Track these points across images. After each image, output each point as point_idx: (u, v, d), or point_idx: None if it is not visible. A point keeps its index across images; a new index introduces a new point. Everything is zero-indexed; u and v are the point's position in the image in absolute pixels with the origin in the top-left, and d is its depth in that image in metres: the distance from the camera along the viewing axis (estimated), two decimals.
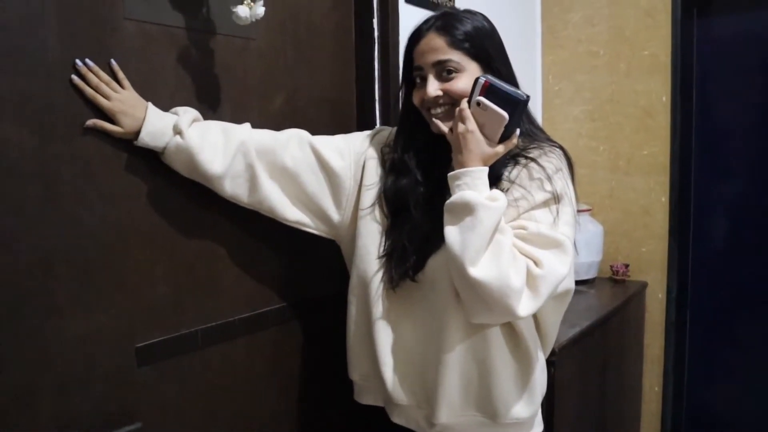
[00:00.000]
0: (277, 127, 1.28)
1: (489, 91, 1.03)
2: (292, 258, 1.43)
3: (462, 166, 1.03)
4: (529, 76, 2.44)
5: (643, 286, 2.28)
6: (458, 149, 1.04)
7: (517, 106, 1.03)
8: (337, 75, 1.57)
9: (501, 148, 1.05)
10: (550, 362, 1.48)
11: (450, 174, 1.04)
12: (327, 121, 1.53)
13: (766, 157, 2.18)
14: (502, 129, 1.04)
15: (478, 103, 1.03)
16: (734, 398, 2.29)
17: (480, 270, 0.98)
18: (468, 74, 1.10)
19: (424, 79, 1.12)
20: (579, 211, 2.18)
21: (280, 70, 1.41)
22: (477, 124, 1.03)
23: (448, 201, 1.03)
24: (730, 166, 2.25)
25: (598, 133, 2.38)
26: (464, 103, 1.04)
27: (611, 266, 2.30)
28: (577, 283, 2.17)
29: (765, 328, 2.23)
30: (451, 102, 1.10)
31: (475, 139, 1.03)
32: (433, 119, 1.12)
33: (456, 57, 1.09)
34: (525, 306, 1.00)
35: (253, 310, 1.36)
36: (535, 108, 2.48)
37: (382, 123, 1.62)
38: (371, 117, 1.62)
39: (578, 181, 2.33)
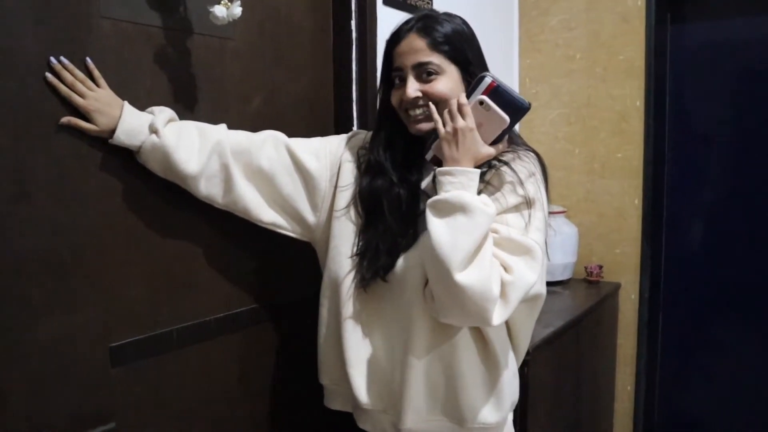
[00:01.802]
0: (255, 127, 1.28)
1: (494, 92, 1.02)
2: (267, 260, 1.43)
3: (455, 162, 1.02)
4: (507, 79, 2.45)
5: (617, 287, 2.31)
6: (453, 144, 1.02)
7: (518, 112, 1.03)
8: (315, 76, 1.57)
9: (493, 151, 1.06)
10: (524, 362, 1.51)
11: (442, 169, 1.02)
12: (305, 121, 1.53)
13: (738, 162, 2.23)
14: (499, 132, 1.04)
15: (481, 102, 1.02)
16: (706, 398, 2.33)
17: (466, 276, 0.96)
18: (447, 76, 1.10)
19: (404, 80, 1.11)
20: (554, 212, 2.24)
21: (258, 70, 1.41)
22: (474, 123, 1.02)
23: (438, 197, 1.00)
24: (703, 170, 2.29)
25: (574, 136, 2.41)
26: (464, 98, 1.03)
27: (586, 267, 2.33)
28: (552, 284, 2.23)
29: (736, 328, 2.28)
30: (428, 104, 1.10)
31: (474, 137, 1.02)
32: (415, 119, 1.12)
33: (436, 59, 1.09)
34: (498, 314, 1.00)
35: (228, 311, 1.36)
36: None
37: (360, 123, 1.62)
38: (349, 118, 1.62)
39: (554, 184, 2.38)
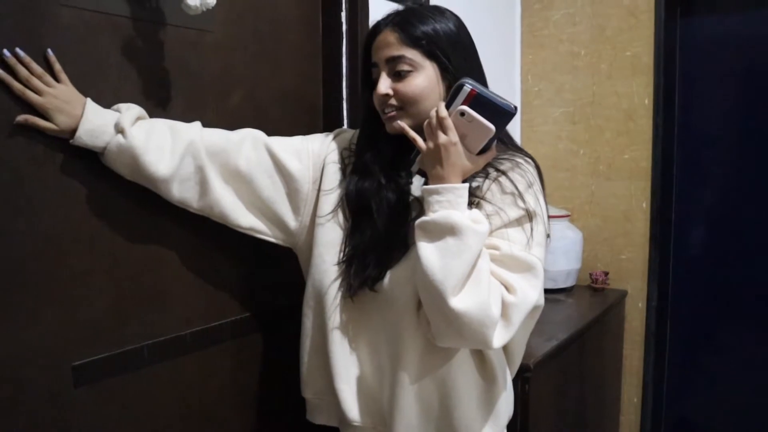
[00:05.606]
0: (235, 125, 1.19)
1: (475, 101, 0.94)
2: (250, 266, 1.34)
3: (441, 179, 0.95)
4: (508, 76, 2.36)
5: (623, 294, 2.21)
6: (437, 161, 0.95)
7: (504, 118, 0.96)
8: (302, 71, 1.48)
9: (482, 161, 0.99)
10: (525, 378, 1.42)
11: (428, 187, 0.95)
12: (291, 119, 1.44)
13: (750, 163, 2.13)
14: (486, 141, 0.96)
15: (462, 113, 0.94)
16: (715, 409, 2.24)
17: (461, 301, 0.90)
18: (422, 74, 1.02)
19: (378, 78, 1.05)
20: (556, 216, 2.14)
21: (238, 64, 1.32)
22: (457, 135, 0.95)
23: (425, 218, 0.93)
24: (713, 171, 2.19)
25: (578, 135, 2.31)
26: (444, 110, 0.94)
27: (590, 274, 2.23)
28: (556, 291, 2.14)
29: (747, 337, 2.18)
30: (399, 105, 1.03)
31: (458, 151, 0.95)
32: (386, 117, 1.04)
33: (409, 54, 1.02)
34: (499, 337, 0.93)
35: (207, 324, 1.27)
36: None
37: (350, 122, 1.53)
38: (338, 116, 1.53)
39: (557, 186, 2.32)
